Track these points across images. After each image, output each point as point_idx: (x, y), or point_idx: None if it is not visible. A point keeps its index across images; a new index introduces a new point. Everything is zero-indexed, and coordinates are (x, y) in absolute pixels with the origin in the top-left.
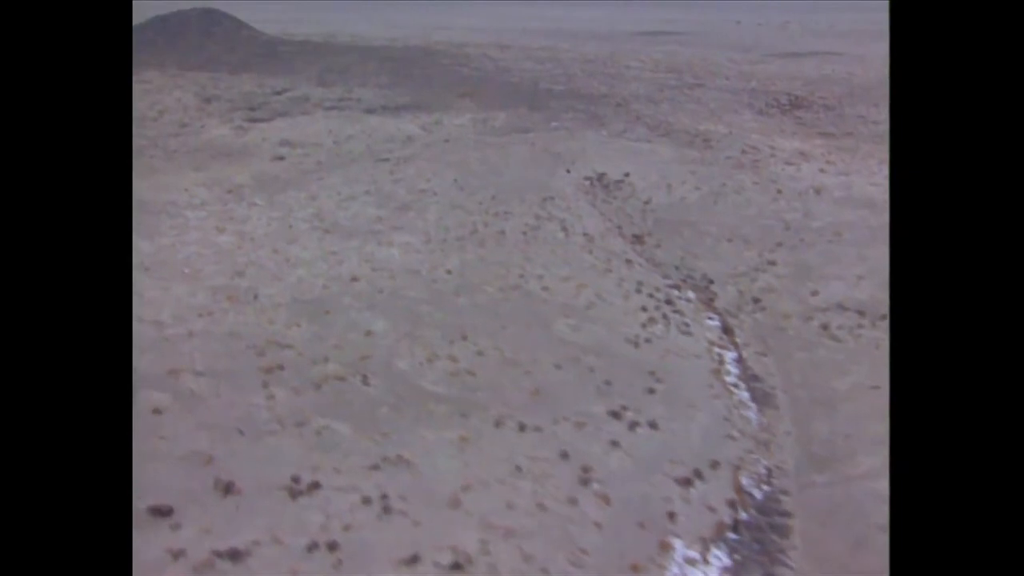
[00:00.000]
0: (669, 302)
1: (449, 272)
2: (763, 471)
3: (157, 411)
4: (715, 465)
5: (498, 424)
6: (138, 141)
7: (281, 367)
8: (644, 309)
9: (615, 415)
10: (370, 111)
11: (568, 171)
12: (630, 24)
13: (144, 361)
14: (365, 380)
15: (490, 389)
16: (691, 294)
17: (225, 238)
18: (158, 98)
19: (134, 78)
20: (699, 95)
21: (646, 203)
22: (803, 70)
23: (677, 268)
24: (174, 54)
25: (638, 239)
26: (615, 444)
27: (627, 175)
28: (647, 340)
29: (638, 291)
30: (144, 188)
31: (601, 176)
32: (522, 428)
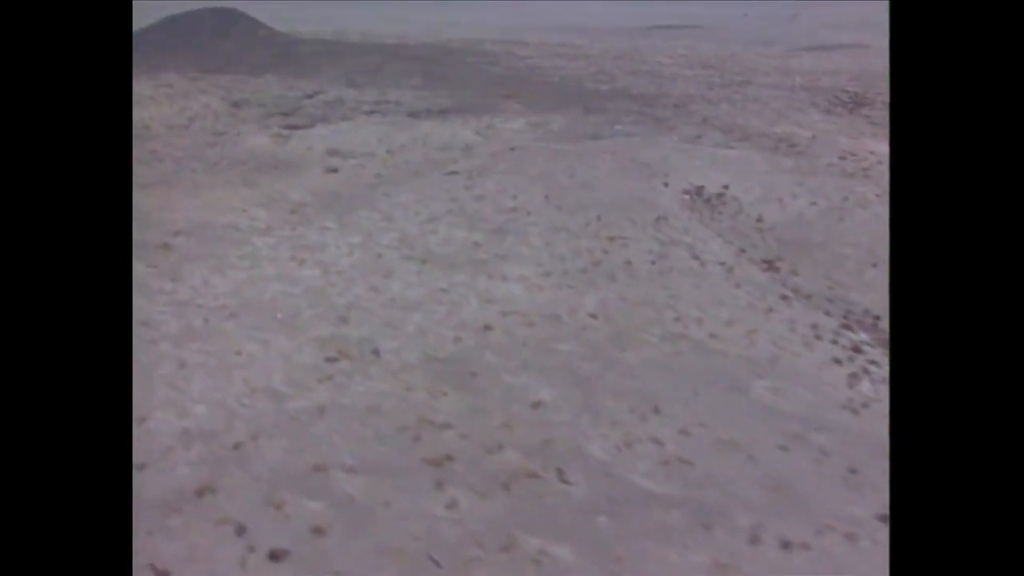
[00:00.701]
0: (857, 350)
1: (593, 316)
2: None
3: (318, 530)
4: None
5: (753, 540)
6: (173, 152)
7: (450, 458)
8: (837, 362)
9: (884, 519)
10: (413, 115)
11: (666, 184)
12: (634, 19)
13: (278, 451)
14: (562, 476)
15: (718, 485)
16: (864, 335)
17: (308, 272)
18: (184, 103)
19: (152, 82)
20: (753, 94)
21: (759, 221)
22: (840, 64)
23: (831, 301)
24: (189, 55)
25: (770, 265)
26: None
27: (726, 188)
28: (864, 405)
29: (817, 337)
30: (196, 208)
31: (699, 189)
32: (785, 546)
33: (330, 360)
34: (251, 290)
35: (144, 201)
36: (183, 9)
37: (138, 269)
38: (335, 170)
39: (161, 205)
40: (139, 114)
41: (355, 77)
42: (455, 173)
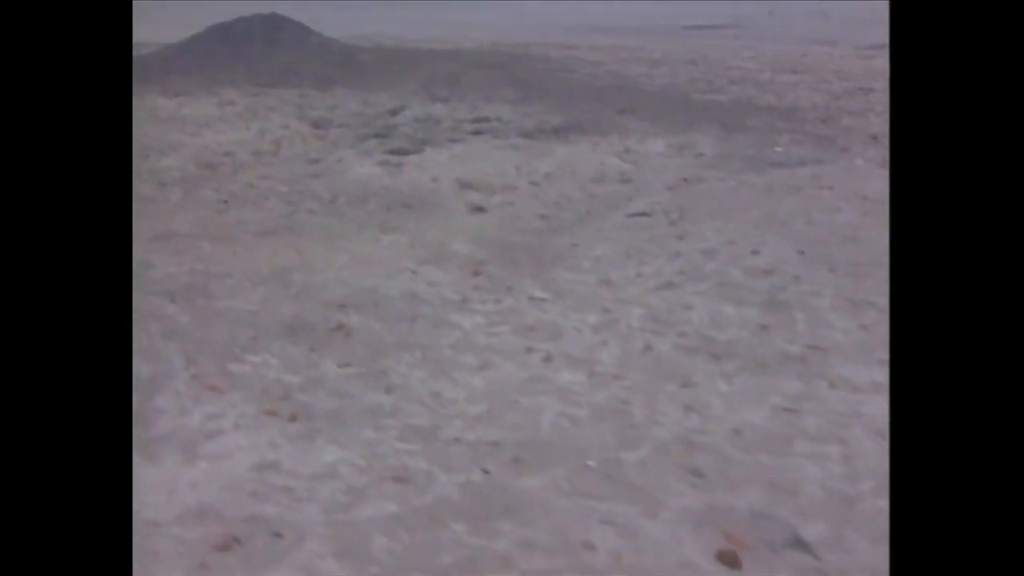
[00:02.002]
0: None
1: None
2: None
3: None
4: None
5: None
6: (275, 186)
7: None
8: None
9: None
10: (527, 135)
11: None
12: (661, 17)
13: None
14: None
15: None
16: None
17: (568, 375)
18: (260, 124)
19: (213, 99)
20: (886, 101)
21: None
22: None
23: None
24: (242, 67)
25: None
26: None
27: None
28: None
29: None
30: (347, 267)
31: None
32: None
33: (707, 555)
34: (512, 412)
35: (274, 256)
36: (223, 15)
37: (327, 368)
38: (482, 209)
39: (300, 263)
40: (216, 138)
41: (434, 89)
42: (643, 215)
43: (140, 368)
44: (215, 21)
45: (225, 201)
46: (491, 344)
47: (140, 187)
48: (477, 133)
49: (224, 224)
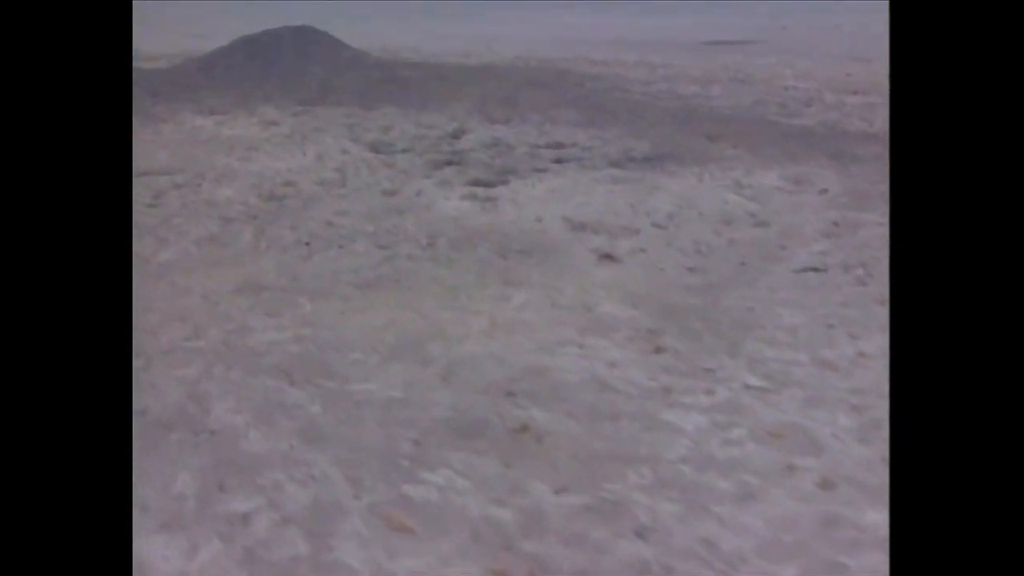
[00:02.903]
0: None
1: None
2: None
3: None
4: None
5: None
6: (358, 225)
7: None
8: None
9: None
10: (616, 165)
11: None
12: (673, 32)
13: None
14: None
15: None
16: None
17: (874, 514)
18: (315, 149)
19: (253, 118)
20: None
21: None
22: None
23: None
24: (277, 82)
25: None
26: None
27: None
28: None
29: None
30: (489, 335)
31: None
32: None
33: None
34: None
35: (393, 318)
36: (246, 27)
37: (539, 494)
38: (611, 257)
39: (429, 328)
40: (271, 164)
41: (490, 110)
42: (814, 270)
43: (295, 492)
44: (242, 33)
45: (307, 243)
46: (736, 459)
47: (203, 223)
48: (559, 161)
49: (316, 273)
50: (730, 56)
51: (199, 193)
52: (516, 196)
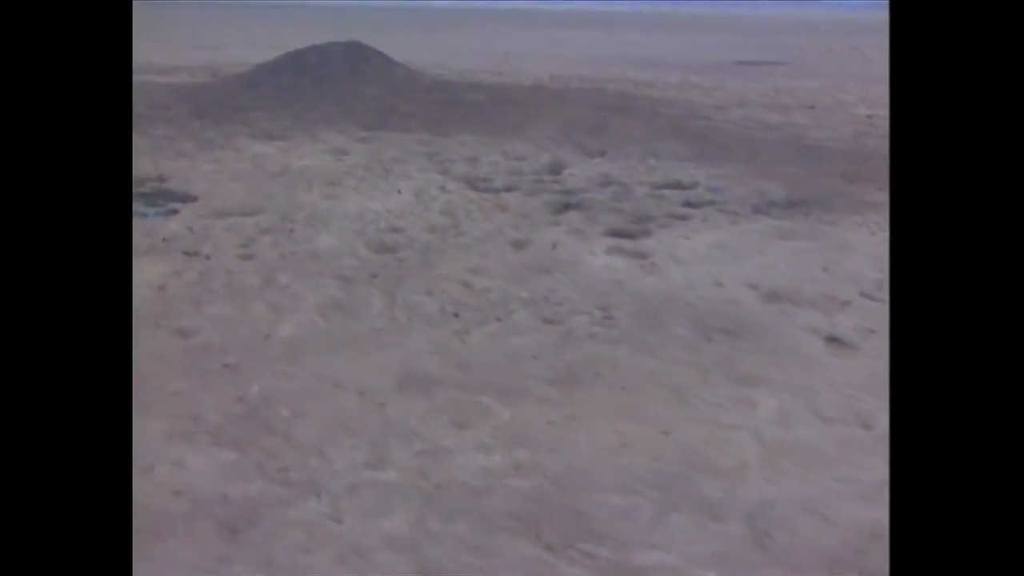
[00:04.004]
0: None
1: None
2: None
3: None
4: None
5: None
6: (503, 286)
7: None
8: None
9: None
10: (763, 212)
11: None
12: (697, 52)
13: None
14: None
15: None
16: None
17: None
18: (403, 183)
19: (318, 144)
20: None
21: None
22: None
23: None
24: (331, 103)
25: None
26: None
27: None
28: None
29: None
30: (775, 467)
31: None
32: None
33: None
34: None
35: (629, 436)
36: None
37: None
38: (838, 341)
39: (685, 457)
40: (365, 205)
41: (577, 138)
42: None
43: None
44: (287, 48)
45: (456, 314)
46: None
47: (316, 283)
48: (691, 205)
49: (487, 359)
50: (771, 78)
51: (295, 241)
52: (673, 252)
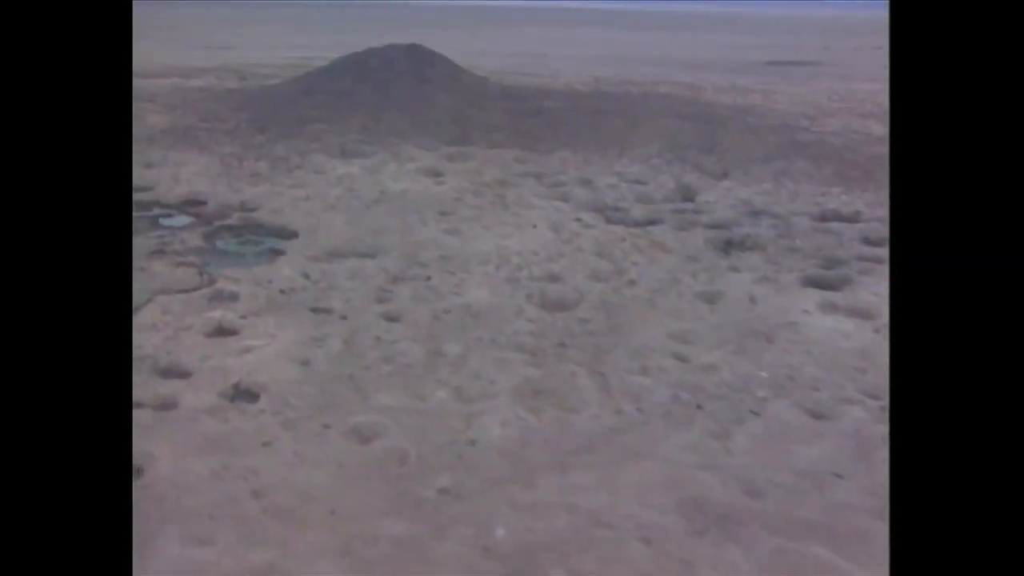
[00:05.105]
0: None
1: None
2: None
3: None
4: None
5: None
6: (728, 360)
7: None
8: None
9: None
10: None
11: None
12: (718, 52)
13: None
14: None
15: None
16: None
17: None
18: (530, 216)
19: (402, 164)
20: None
21: None
22: None
23: None
24: (399, 113)
25: None
26: None
27: None
28: None
29: None
30: None
31: None
32: None
33: None
34: None
35: None
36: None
37: None
38: None
39: None
40: (499, 243)
41: (692, 157)
42: None
43: None
44: (343, 50)
45: (698, 406)
46: None
47: (501, 356)
48: (870, 243)
49: (779, 481)
50: (817, 80)
51: (439, 293)
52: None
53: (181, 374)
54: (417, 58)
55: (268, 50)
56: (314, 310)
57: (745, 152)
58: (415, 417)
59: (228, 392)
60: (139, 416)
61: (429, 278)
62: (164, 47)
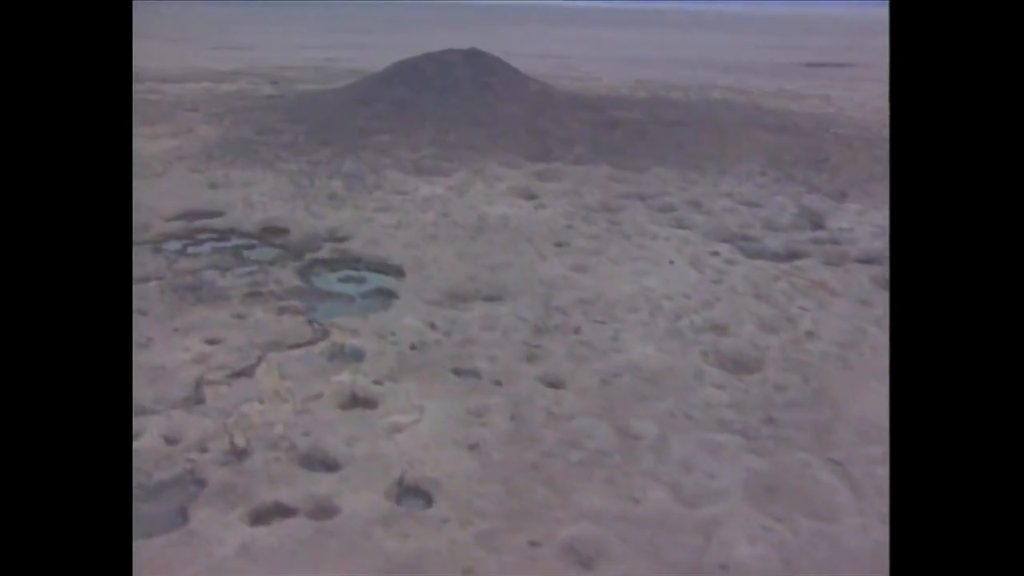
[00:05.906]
0: None
1: None
2: None
3: None
4: None
5: None
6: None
7: None
8: None
9: None
10: None
11: None
12: (748, 53)
13: None
14: None
15: None
16: None
17: None
18: (660, 248)
19: (481, 181)
20: None
21: None
22: None
23: None
24: (467, 125)
25: None
26: None
27: None
28: None
29: None
30: None
31: None
32: None
33: None
34: None
35: None
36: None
37: None
38: None
39: None
40: (643, 284)
41: (802, 175)
42: None
43: None
44: (398, 55)
45: None
46: None
47: (713, 441)
48: None
49: None
50: (866, 84)
51: (597, 350)
52: None
53: (330, 465)
54: (477, 63)
55: (288, 51)
56: (457, 372)
57: (856, 169)
58: (636, 528)
59: (393, 491)
60: (297, 526)
61: (578, 330)
62: (181, 48)
